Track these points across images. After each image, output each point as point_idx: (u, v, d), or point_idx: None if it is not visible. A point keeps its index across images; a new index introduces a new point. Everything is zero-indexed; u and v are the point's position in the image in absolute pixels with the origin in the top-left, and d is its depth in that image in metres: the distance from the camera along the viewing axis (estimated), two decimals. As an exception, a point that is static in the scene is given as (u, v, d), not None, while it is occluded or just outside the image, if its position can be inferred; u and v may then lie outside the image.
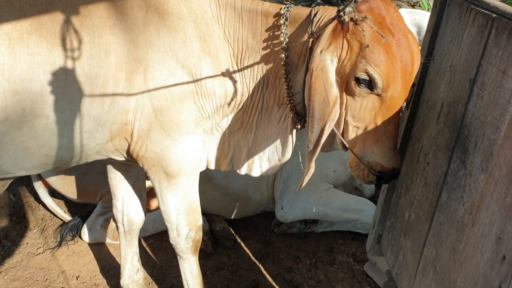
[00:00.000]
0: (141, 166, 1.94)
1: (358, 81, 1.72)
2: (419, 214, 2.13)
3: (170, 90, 1.77)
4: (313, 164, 1.80)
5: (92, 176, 3.11)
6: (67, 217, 3.32)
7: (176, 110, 1.81)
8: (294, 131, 2.04)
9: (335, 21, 1.68)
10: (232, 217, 3.32)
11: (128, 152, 1.92)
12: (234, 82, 1.90)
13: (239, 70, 1.90)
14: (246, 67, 1.89)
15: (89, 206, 3.34)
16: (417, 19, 2.83)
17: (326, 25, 1.69)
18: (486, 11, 1.73)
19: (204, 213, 3.05)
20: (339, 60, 1.73)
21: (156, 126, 1.81)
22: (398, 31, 1.69)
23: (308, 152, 1.77)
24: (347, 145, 1.86)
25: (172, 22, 1.75)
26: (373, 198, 3.83)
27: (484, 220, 1.59)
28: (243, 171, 2.19)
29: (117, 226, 2.51)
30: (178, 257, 2.23)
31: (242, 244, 3.22)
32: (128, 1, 1.72)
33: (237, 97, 1.93)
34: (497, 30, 1.64)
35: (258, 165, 2.15)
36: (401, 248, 2.31)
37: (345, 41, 1.69)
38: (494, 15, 1.67)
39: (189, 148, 1.91)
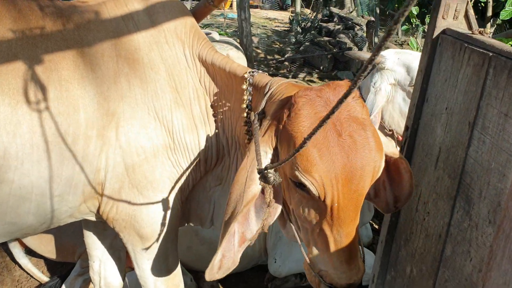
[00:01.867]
0: (111, 228, 1.77)
1: (294, 183, 1.40)
2: (422, 268, 1.95)
3: (142, 145, 1.62)
4: (223, 247, 1.44)
5: (69, 234, 2.92)
6: (44, 278, 3.10)
7: (149, 167, 1.65)
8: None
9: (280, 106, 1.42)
10: (222, 273, 3.10)
11: (98, 212, 1.75)
12: (208, 136, 1.76)
13: (214, 127, 1.76)
14: (221, 126, 1.76)
15: (68, 265, 3.12)
16: (405, 59, 2.74)
17: (271, 109, 1.44)
18: (481, 50, 1.61)
19: (191, 270, 2.83)
20: (278, 152, 1.45)
21: (128, 185, 1.65)
22: (347, 128, 1.34)
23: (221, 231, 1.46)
24: (298, 242, 1.56)
25: (143, 73, 1.62)
26: (371, 246, 3.64)
27: (496, 280, 1.41)
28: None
29: (95, 290, 2.30)
30: None
31: (233, 302, 3.00)
32: (97, 51, 1.59)
33: (213, 153, 1.78)
34: (495, 69, 1.52)
35: None
36: (404, 306, 2.11)
37: (281, 133, 1.40)
38: (491, 54, 1.55)
39: (164, 207, 1.74)
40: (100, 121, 1.56)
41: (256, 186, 1.38)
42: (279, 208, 1.42)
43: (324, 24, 9.94)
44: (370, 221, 3.75)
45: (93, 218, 1.81)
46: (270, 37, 12.33)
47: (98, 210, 1.73)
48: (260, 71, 1.68)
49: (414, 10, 7.65)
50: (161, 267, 1.83)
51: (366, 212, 3.32)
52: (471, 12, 1.90)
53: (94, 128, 1.55)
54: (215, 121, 1.76)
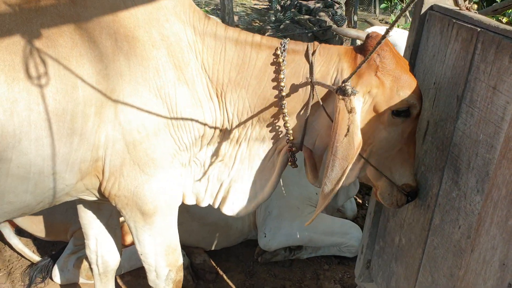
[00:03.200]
0: (113, 205, 1.79)
1: (395, 113, 1.71)
2: (411, 238, 2.03)
3: (143, 122, 1.64)
4: (327, 202, 1.67)
5: (62, 212, 2.92)
6: (36, 257, 3.11)
7: (150, 144, 1.67)
8: (279, 170, 1.93)
9: (352, 64, 1.68)
10: (213, 248, 3.17)
11: (100, 190, 1.77)
12: (214, 114, 1.79)
13: (219, 103, 1.79)
14: (229, 101, 1.78)
15: (60, 244, 3.13)
16: (393, 36, 2.79)
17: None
18: (469, 25, 1.67)
19: (183, 246, 2.88)
20: (369, 95, 1.69)
21: (129, 162, 1.67)
22: (400, 56, 1.76)
23: (325, 191, 1.65)
24: (386, 176, 1.84)
25: (143, 50, 1.62)
26: (356, 219, 3.74)
27: (485, 245, 1.49)
28: (216, 204, 2.06)
29: (91, 268, 2.33)
30: None
31: (224, 276, 3.07)
32: (95, 29, 1.58)
33: (216, 130, 1.81)
34: (483, 44, 1.57)
35: (231, 202, 2.02)
36: (393, 274, 2.20)
37: (375, 78, 1.67)
38: (479, 29, 1.60)
39: (166, 184, 1.77)
40: (99, 99, 1.57)
41: (359, 131, 1.62)
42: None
43: (304, 2, 9.92)
44: (355, 196, 3.84)
45: (88, 197, 1.83)
46: (250, 15, 12.25)
47: (99, 188, 1.75)
48: (287, 41, 1.77)
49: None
50: (162, 243, 1.87)
51: (352, 186, 3.41)
52: (458, -12, 1.95)
53: (92, 105, 1.56)
54: (221, 96, 1.78)
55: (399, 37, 2.91)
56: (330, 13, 9.64)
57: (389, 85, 1.68)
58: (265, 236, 3.04)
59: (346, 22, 10.00)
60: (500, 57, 1.48)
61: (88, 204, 2.10)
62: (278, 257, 3.16)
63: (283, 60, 1.72)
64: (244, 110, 1.79)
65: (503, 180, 1.41)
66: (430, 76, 1.91)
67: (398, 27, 5.78)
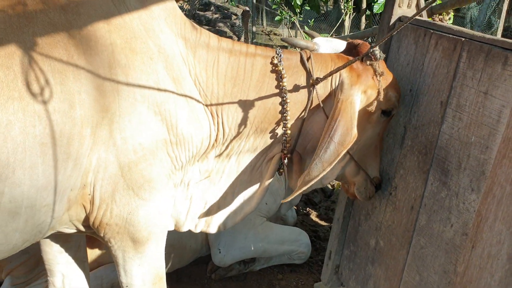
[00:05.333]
0: (101, 235, 1.59)
1: (384, 112, 1.84)
2: (391, 239, 2.10)
3: (140, 141, 1.48)
4: (313, 182, 1.69)
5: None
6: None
7: (147, 165, 1.51)
8: (268, 179, 1.88)
9: (351, 65, 1.71)
10: (165, 272, 2.98)
11: (84, 221, 1.56)
12: (209, 129, 1.68)
13: (215, 117, 1.69)
14: (226, 115, 1.70)
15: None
16: (336, 45, 2.89)
17: (339, 69, 1.68)
18: (451, 35, 1.78)
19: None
20: (365, 94, 1.77)
21: (122, 186, 1.50)
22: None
23: (313, 172, 1.66)
24: (364, 170, 1.98)
25: (142, 63, 1.48)
26: (296, 226, 3.78)
27: (489, 241, 1.59)
28: (199, 227, 1.94)
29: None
30: None
31: (179, 298, 2.91)
32: (90, 39, 1.40)
33: (209, 145, 1.71)
34: (469, 53, 1.69)
35: (217, 221, 1.93)
36: (370, 276, 2.25)
37: (371, 80, 1.76)
38: (463, 39, 1.72)
39: (161, 207, 1.62)
40: (95, 118, 1.39)
41: (356, 125, 1.70)
42: None
43: (202, 13, 9.92)
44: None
45: (68, 230, 1.61)
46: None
47: (85, 218, 1.54)
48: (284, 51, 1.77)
49: (298, 0, 8.05)
50: (151, 271, 1.70)
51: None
52: (422, 1, 2.08)
53: (89, 126, 1.37)
54: (217, 110, 1.68)
55: (342, 45, 3.01)
56: (229, 24, 9.74)
57: (382, 86, 1.78)
58: (219, 252, 2.94)
59: (244, 33, 10.19)
60: (491, 64, 1.59)
61: (55, 237, 1.84)
62: (233, 272, 3.08)
63: (283, 68, 1.70)
64: (242, 122, 1.72)
65: (507, 178, 1.52)
66: (404, 83, 2.01)
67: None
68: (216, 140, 1.73)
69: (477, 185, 1.66)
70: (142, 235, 1.61)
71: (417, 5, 2.09)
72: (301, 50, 1.96)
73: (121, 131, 1.45)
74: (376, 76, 1.74)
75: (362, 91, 1.75)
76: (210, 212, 1.90)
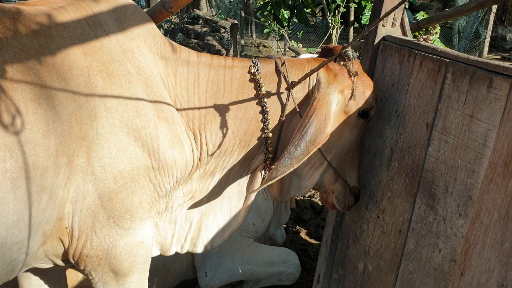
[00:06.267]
0: (81, 268, 1.52)
1: (361, 113, 1.82)
2: (379, 264, 2.05)
3: (120, 169, 1.42)
4: (278, 178, 1.64)
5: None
6: None
7: (128, 193, 1.46)
8: (253, 194, 1.84)
9: (326, 65, 1.71)
10: (149, 295, 2.91)
11: (63, 255, 1.49)
12: (192, 150, 1.63)
13: (197, 136, 1.65)
14: (210, 132, 1.65)
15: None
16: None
17: (314, 71, 1.66)
18: (435, 56, 1.74)
19: None
20: (341, 94, 1.76)
21: (103, 216, 1.44)
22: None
23: (280, 166, 1.61)
24: (342, 177, 1.94)
25: (120, 87, 1.43)
26: (285, 245, 3.72)
27: (478, 268, 1.54)
28: (185, 248, 1.89)
29: None
30: None
31: (165, 323, 2.82)
32: (64, 63, 1.34)
33: (193, 165, 1.66)
34: (454, 74, 1.65)
35: (203, 240, 1.88)
36: (359, 302, 2.19)
37: (348, 80, 1.75)
38: (448, 60, 1.68)
39: (143, 236, 1.56)
40: (71, 146, 1.33)
41: (330, 124, 1.69)
42: None
43: (191, 27, 9.89)
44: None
45: (45, 265, 1.55)
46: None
47: (64, 252, 1.47)
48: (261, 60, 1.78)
49: (286, 14, 8.04)
50: None
51: (283, 213, 3.39)
52: (406, 20, 2.05)
53: (64, 155, 1.31)
54: (199, 129, 1.65)
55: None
56: (217, 37, 9.73)
57: (358, 86, 1.78)
58: (206, 276, 2.87)
59: (232, 45, 10.18)
60: (476, 87, 1.56)
61: (32, 270, 1.77)
62: (220, 295, 3.01)
63: (261, 77, 1.71)
64: (226, 137, 1.68)
65: (494, 204, 1.48)
66: (390, 104, 1.97)
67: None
68: (199, 159, 1.68)
69: (464, 210, 1.61)
70: (124, 266, 1.55)
71: (401, 24, 2.06)
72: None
73: (99, 159, 1.40)
74: (351, 77, 1.73)
75: (339, 91, 1.75)
76: (196, 232, 1.85)
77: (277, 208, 3.25)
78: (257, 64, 1.72)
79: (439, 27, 3.66)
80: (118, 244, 1.49)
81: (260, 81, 1.70)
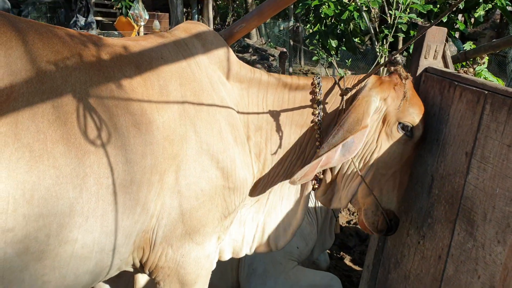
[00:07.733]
0: (152, 277, 1.67)
1: (402, 126, 1.85)
2: (420, 289, 2.09)
3: (202, 188, 1.58)
4: (315, 164, 1.70)
5: None
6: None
7: (205, 211, 1.61)
8: (307, 191, 1.98)
9: (376, 75, 1.80)
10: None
11: (139, 264, 1.66)
12: (253, 166, 1.80)
13: (265, 148, 1.82)
14: (270, 144, 1.82)
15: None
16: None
17: (366, 77, 1.80)
18: (474, 88, 1.82)
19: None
20: (384, 102, 1.84)
21: (180, 232, 1.59)
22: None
23: (319, 153, 1.70)
24: (374, 195, 1.89)
25: (208, 115, 1.60)
26: (329, 270, 3.76)
27: (516, 294, 1.57)
28: (253, 249, 2.05)
29: None
30: None
31: None
32: (163, 92, 1.54)
33: (254, 179, 1.82)
34: (492, 105, 1.72)
35: (268, 239, 2.03)
36: (399, 326, 2.23)
37: (393, 90, 1.83)
38: (486, 92, 1.75)
39: (209, 250, 1.70)
40: (163, 165, 1.50)
41: (368, 120, 1.73)
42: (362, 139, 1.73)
43: (241, 55, 10.23)
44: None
45: (130, 269, 1.72)
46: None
47: (141, 260, 1.64)
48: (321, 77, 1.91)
49: (333, 43, 8.16)
50: None
51: (328, 238, 3.45)
52: (448, 53, 2.13)
53: (157, 173, 1.48)
54: (263, 142, 1.82)
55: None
56: (266, 65, 10.01)
57: (402, 99, 1.83)
58: (250, 295, 2.97)
59: (280, 73, 10.44)
60: (514, 117, 1.62)
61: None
62: (264, 315, 3.09)
63: (320, 89, 1.87)
64: (287, 146, 1.84)
65: (532, 232, 1.52)
66: (432, 133, 2.04)
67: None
68: (264, 173, 1.83)
69: (502, 238, 1.65)
70: (191, 278, 1.69)
71: (443, 56, 2.14)
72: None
73: (186, 178, 1.56)
74: (402, 80, 1.81)
75: (381, 97, 1.82)
76: (261, 232, 1.99)
77: (322, 232, 3.33)
78: (319, 77, 1.87)
79: (487, 57, 3.66)
80: (189, 256, 1.64)
81: (317, 90, 1.84)
